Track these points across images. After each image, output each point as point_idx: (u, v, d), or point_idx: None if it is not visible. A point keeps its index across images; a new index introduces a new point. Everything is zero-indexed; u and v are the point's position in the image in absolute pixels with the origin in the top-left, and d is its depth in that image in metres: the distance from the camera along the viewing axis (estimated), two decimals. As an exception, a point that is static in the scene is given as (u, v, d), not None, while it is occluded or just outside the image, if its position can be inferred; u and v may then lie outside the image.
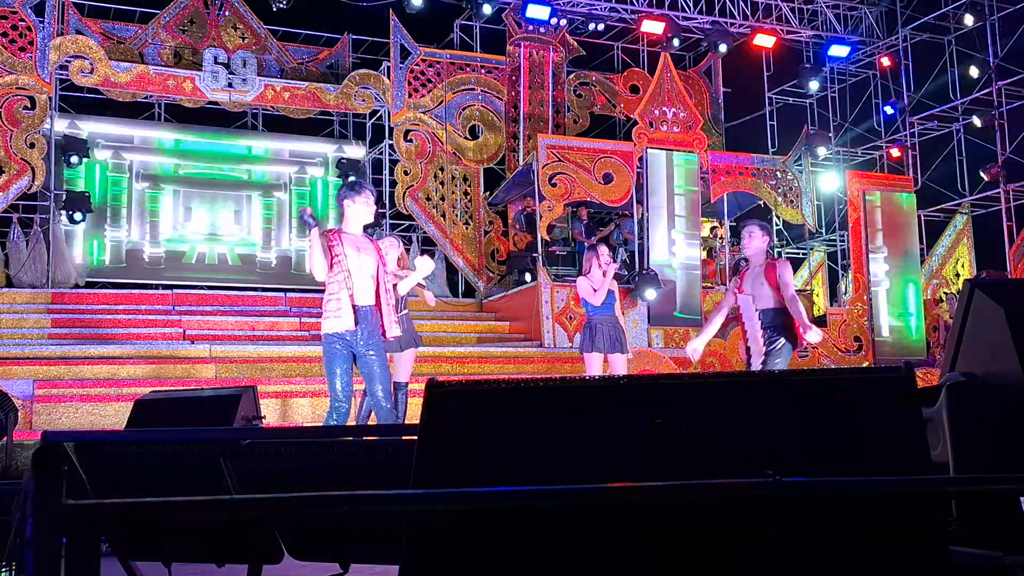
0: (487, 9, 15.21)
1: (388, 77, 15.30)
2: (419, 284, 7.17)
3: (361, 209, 5.96)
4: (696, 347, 6.90)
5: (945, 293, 15.91)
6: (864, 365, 14.15)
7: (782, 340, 6.58)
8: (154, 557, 3.10)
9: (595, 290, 8.15)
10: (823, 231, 17.32)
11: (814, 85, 17.20)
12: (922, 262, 15.93)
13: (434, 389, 1.67)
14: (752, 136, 17.68)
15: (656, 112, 14.58)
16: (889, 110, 17.33)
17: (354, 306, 5.78)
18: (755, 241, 6.83)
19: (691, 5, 16.47)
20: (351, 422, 6.61)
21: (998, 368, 2.15)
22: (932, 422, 2.21)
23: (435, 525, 1.62)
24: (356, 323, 5.76)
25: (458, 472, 1.66)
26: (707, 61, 17.72)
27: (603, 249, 8.40)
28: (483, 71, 15.93)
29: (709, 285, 14.79)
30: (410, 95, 15.32)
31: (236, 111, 15.64)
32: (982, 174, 16.10)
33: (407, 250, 15.49)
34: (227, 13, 15.33)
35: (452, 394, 1.68)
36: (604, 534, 1.60)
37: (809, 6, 17.36)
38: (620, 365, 8.12)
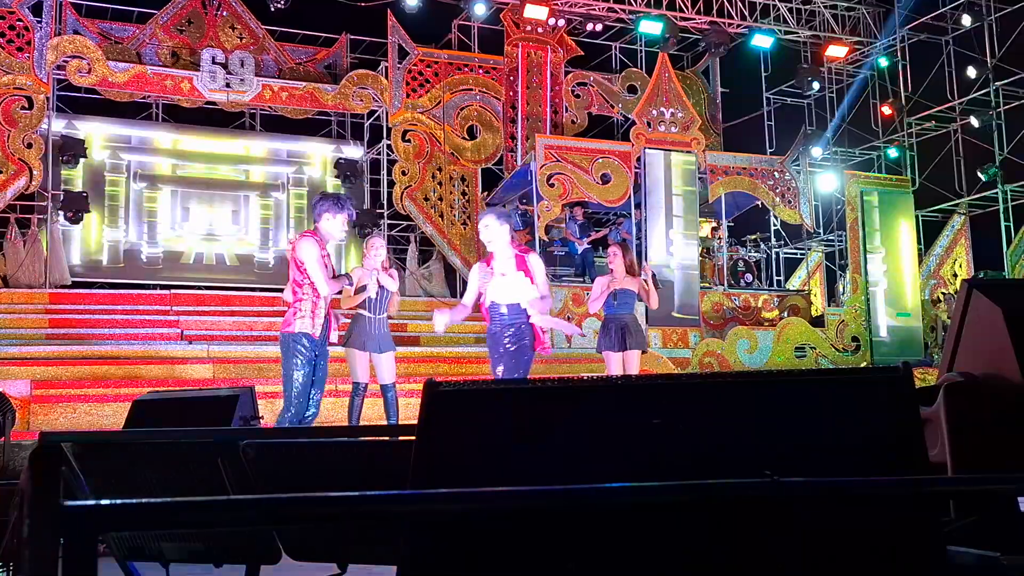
0: (480, 9, 15.23)
1: (386, 77, 15.29)
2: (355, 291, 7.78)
3: (338, 226, 6.26)
4: (444, 321, 6.46)
5: (943, 293, 15.92)
6: (862, 365, 14.16)
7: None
8: (152, 558, 3.10)
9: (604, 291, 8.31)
10: (821, 231, 17.32)
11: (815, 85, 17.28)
12: (920, 262, 15.95)
13: (432, 389, 1.67)
14: (750, 136, 17.69)
15: (654, 112, 14.59)
16: (886, 110, 17.30)
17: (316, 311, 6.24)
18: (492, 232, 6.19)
19: (689, 5, 16.47)
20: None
21: (996, 368, 2.15)
22: (930, 422, 2.21)
23: (433, 525, 1.62)
24: (320, 329, 6.23)
25: (456, 472, 1.66)
26: (705, 61, 17.73)
27: (611, 250, 8.58)
28: (481, 71, 15.93)
29: (707, 285, 14.79)
30: (408, 95, 15.31)
31: (234, 111, 15.63)
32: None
33: (405, 250, 15.68)
34: (225, 13, 15.31)
35: (450, 394, 1.68)
36: (603, 535, 1.60)
37: (807, 7, 17.37)
38: (632, 362, 8.29)
